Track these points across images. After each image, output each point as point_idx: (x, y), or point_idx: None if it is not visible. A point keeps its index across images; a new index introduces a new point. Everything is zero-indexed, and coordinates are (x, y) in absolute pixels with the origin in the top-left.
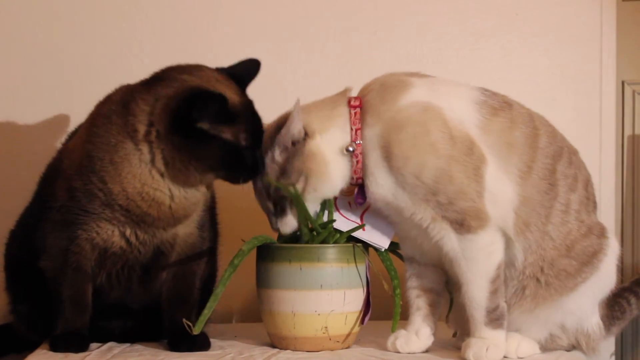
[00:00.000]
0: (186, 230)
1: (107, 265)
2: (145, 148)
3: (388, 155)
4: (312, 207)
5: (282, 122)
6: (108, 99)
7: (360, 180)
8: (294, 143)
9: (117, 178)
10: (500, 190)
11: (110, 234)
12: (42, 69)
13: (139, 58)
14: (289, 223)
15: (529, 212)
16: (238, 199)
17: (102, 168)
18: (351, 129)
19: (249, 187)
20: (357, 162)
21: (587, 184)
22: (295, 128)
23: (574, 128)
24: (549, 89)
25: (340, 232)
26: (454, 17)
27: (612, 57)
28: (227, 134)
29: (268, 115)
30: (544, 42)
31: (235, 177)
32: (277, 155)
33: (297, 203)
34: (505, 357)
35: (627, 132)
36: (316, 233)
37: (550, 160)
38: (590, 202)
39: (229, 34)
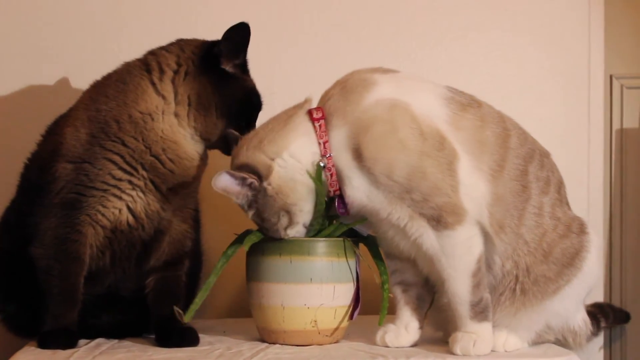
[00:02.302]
0: (181, 217)
1: (114, 245)
2: (169, 93)
3: (358, 157)
4: (302, 228)
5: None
6: (110, 76)
7: (337, 192)
8: (253, 190)
9: (140, 136)
10: (474, 184)
11: (118, 213)
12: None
13: None
14: (298, 234)
15: (502, 212)
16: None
17: (120, 130)
18: (319, 143)
19: None
20: (331, 174)
21: (560, 186)
22: (238, 191)
23: (563, 122)
24: (538, 83)
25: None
26: (443, 11)
27: (600, 51)
28: (248, 82)
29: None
30: (532, 37)
31: (237, 135)
32: (250, 212)
33: (320, 202)
34: (493, 351)
35: (615, 126)
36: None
37: (522, 161)
38: (563, 203)
39: (216, 30)
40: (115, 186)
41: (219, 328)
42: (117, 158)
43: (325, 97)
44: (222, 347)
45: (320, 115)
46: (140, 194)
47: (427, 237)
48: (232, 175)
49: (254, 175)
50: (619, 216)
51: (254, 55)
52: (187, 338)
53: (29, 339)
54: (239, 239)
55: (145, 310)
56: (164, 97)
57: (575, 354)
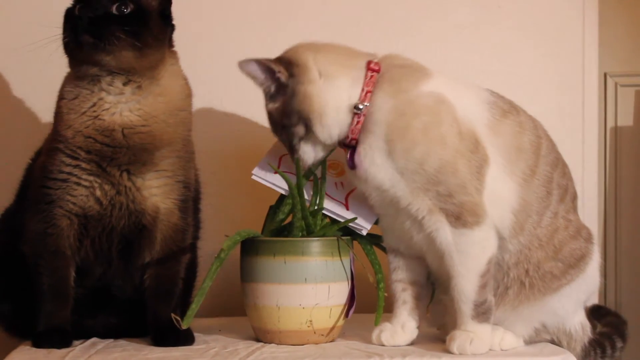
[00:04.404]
0: (167, 206)
1: (89, 232)
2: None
3: (393, 138)
4: (312, 153)
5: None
6: None
7: (354, 142)
8: (281, 85)
9: (68, 122)
10: (500, 191)
11: (85, 199)
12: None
13: None
14: (305, 155)
15: (525, 217)
16: (224, 194)
17: (56, 122)
18: (362, 89)
19: (237, 182)
20: (358, 122)
21: (574, 198)
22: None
23: (557, 120)
24: (532, 81)
25: (329, 221)
26: (437, 9)
27: (594, 49)
28: None
29: (251, 109)
30: (526, 35)
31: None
32: (271, 103)
33: (293, 195)
34: (489, 349)
35: (610, 124)
36: (306, 226)
37: (550, 168)
38: (575, 212)
39: (213, 25)
40: (70, 173)
41: (214, 327)
42: (61, 146)
43: (389, 59)
44: (218, 346)
45: (377, 68)
46: (97, 179)
47: (442, 232)
48: (259, 64)
49: (285, 70)
50: (613, 214)
51: (248, 52)
52: (183, 337)
53: (24, 339)
54: (231, 241)
55: (140, 313)
56: (67, 81)
57: (571, 354)
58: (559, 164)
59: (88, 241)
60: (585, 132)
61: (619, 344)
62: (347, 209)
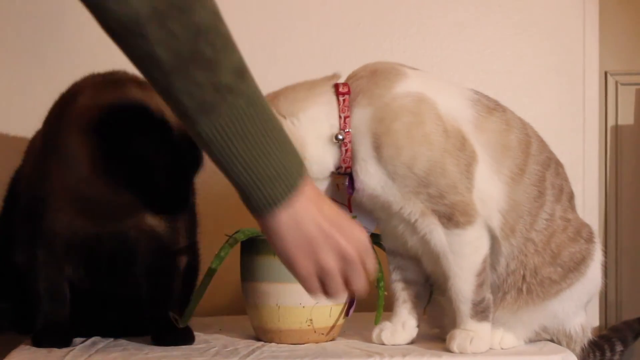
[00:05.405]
0: (150, 221)
1: (74, 257)
2: None
3: (379, 145)
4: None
5: None
6: None
7: (349, 170)
8: None
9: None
10: (488, 189)
11: (69, 219)
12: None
13: None
14: None
15: (516, 218)
16: (224, 193)
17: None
18: (340, 117)
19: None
20: (347, 150)
21: (571, 197)
22: None
23: (557, 119)
24: (532, 80)
25: None
26: (437, 8)
27: (595, 47)
28: None
29: None
30: (527, 33)
31: None
32: None
33: None
34: (489, 348)
35: (610, 123)
36: None
37: (540, 167)
38: (573, 211)
39: None
40: (55, 201)
41: (215, 326)
42: (46, 183)
43: (353, 77)
44: (218, 345)
45: (346, 90)
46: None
47: (436, 234)
48: None
49: None
50: (614, 213)
51: (248, 50)
52: (183, 336)
53: (25, 335)
54: (232, 240)
55: (138, 312)
56: None
57: (571, 352)
58: (551, 164)
59: (74, 261)
60: (586, 131)
61: (618, 348)
62: (350, 211)
